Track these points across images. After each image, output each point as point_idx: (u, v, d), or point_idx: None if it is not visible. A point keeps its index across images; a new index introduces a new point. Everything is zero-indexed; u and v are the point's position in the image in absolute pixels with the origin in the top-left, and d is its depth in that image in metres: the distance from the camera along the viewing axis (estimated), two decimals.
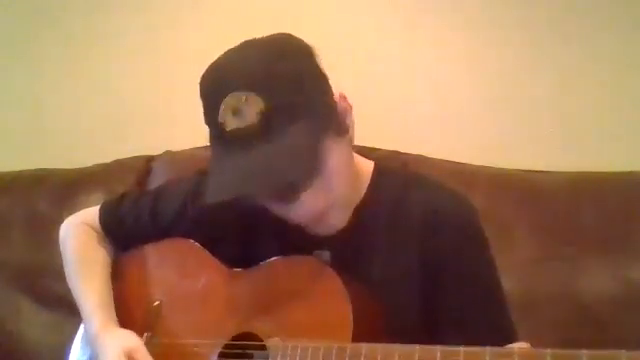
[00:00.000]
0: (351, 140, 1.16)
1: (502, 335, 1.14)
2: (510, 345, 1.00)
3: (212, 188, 1.10)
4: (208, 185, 1.11)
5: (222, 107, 1.06)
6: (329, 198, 1.12)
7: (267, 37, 1.13)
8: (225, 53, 1.13)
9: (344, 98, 1.14)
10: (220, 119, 1.07)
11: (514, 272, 1.67)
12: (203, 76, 1.12)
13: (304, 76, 1.09)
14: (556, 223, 1.76)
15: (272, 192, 1.11)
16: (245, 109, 1.05)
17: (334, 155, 1.10)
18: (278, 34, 1.14)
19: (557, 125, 1.97)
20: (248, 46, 1.12)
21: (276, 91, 1.05)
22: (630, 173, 1.80)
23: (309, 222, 1.14)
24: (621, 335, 1.62)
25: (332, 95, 1.13)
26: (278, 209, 1.15)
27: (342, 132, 1.13)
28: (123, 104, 2.26)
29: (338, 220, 1.16)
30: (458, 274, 1.17)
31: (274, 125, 1.05)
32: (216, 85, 1.09)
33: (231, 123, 1.06)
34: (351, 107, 1.15)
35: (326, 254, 1.20)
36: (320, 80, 1.12)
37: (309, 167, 1.07)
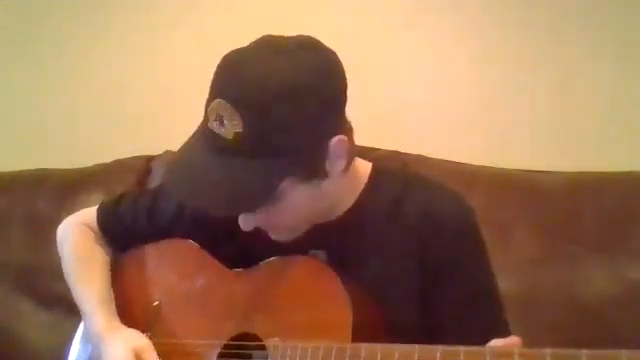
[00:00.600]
0: (319, 186, 1.13)
1: (496, 335, 1.14)
2: (501, 340, 0.99)
3: (170, 179, 1.16)
4: (171, 167, 1.17)
5: (213, 104, 1.07)
6: (271, 224, 1.15)
7: (294, 51, 1.07)
8: (245, 48, 1.10)
9: (343, 142, 1.10)
10: (208, 112, 1.08)
11: (514, 272, 1.67)
12: (224, 57, 1.10)
13: (301, 119, 1.05)
14: (556, 223, 1.76)
15: (214, 209, 1.13)
16: (226, 122, 1.05)
17: (292, 197, 1.10)
18: (304, 41, 1.09)
19: (557, 125, 1.97)
20: (266, 51, 1.08)
21: (260, 125, 1.04)
22: (630, 173, 1.80)
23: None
24: (621, 335, 1.62)
25: (326, 139, 1.09)
26: None
27: (315, 176, 1.11)
28: (123, 104, 2.26)
29: (282, 237, 1.18)
30: (454, 274, 1.17)
31: (242, 151, 1.05)
32: (222, 79, 1.09)
33: (212, 122, 1.07)
34: (345, 152, 1.11)
35: (322, 254, 1.20)
36: (319, 122, 1.08)
37: (250, 205, 1.09)
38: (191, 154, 1.12)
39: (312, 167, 1.10)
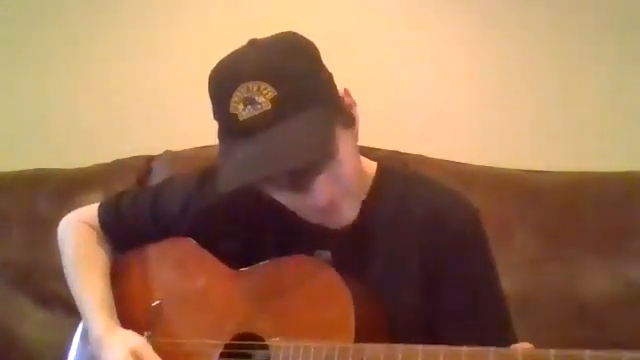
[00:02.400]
0: (356, 135, 1.17)
1: (501, 334, 1.14)
2: (513, 345, 1.00)
3: (225, 176, 1.10)
4: (220, 175, 1.11)
5: (234, 98, 1.07)
6: (340, 187, 1.13)
7: (274, 36, 1.15)
8: (232, 52, 1.14)
9: (348, 93, 1.16)
10: (232, 110, 1.07)
11: (514, 272, 1.67)
12: (212, 72, 1.13)
13: (312, 70, 1.12)
14: (556, 223, 1.76)
15: (289, 174, 1.09)
16: (257, 97, 1.06)
17: (344, 144, 1.11)
18: (283, 33, 1.15)
19: (557, 125, 1.97)
20: (255, 43, 1.13)
21: (287, 80, 1.07)
22: (629, 173, 1.80)
23: (321, 213, 1.14)
24: (620, 335, 1.62)
25: (334, 84, 1.15)
26: (290, 200, 1.14)
27: (349, 124, 1.15)
28: (123, 104, 2.26)
29: (349, 212, 1.16)
30: (459, 274, 1.17)
31: (288, 110, 1.06)
32: (226, 78, 1.10)
33: (244, 113, 1.06)
34: (355, 103, 1.17)
35: (327, 254, 1.20)
36: (327, 76, 1.14)
37: (324, 149, 1.08)
38: (244, 149, 1.08)
39: (344, 111, 1.14)
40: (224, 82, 1.09)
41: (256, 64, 1.08)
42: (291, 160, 1.06)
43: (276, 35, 1.15)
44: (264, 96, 1.06)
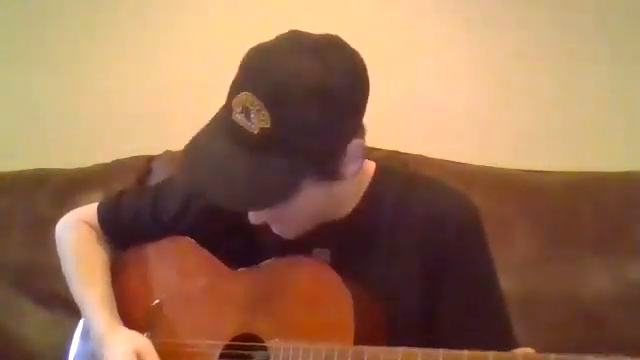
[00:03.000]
0: (331, 186, 1.13)
1: (500, 336, 1.14)
2: (515, 350, 1.00)
3: (185, 168, 1.14)
4: (187, 159, 1.13)
5: (240, 96, 1.05)
6: (278, 221, 1.15)
7: (324, 50, 1.06)
8: (274, 41, 1.08)
9: (361, 146, 1.11)
10: (233, 104, 1.06)
11: (514, 272, 1.67)
12: (252, 49, 1.09)
13: (329, 119, 1.05)
14: (556, 223, 1.76)
15: (230, 203, 1.11)
16: (253, 115, 1.04)
17: (305, 196, 1.09)
18: (340, 48, 1.09)
19: (557, 125, 1.97)
20: (295, 47, 1.07)
21: (288, 123, 1.03)
22: (629, 173, 1.80)
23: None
24: (620, 335, 1.62)
25: (348, 140, 1.09)
26: None
27: (331, 178, 1.11)
28: (123, 104, 2.26)
29: (288, 233, 1.18)
30: (459, 273, 1.16)
31: (267, 147, 1.04)
32: (251, 72, 1.07)
33: (237, 114, 1.06)
34: (361, 158, 1.13)
35: (326, 252, 1.20)
36: (344, 123, 1.08)
37: (269, 201, 1.08)
38: (211, 145, 1.09)
39: (331, 169, 1.10)
40: (246, 75, 1.07)
41: (276, 85, 1.03)
42: (229, 197, 1.08)
43: (327, 45, 1.07)
44: (258, 119, 1.03)
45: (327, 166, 1.09)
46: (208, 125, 1.13)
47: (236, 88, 1.07)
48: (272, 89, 1.03)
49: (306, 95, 1.03)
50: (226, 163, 1.07)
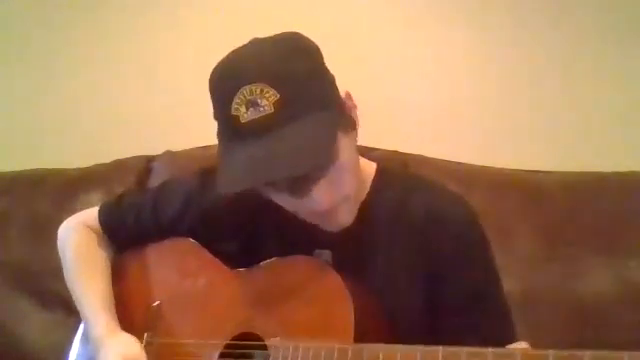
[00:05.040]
0: (356, 139, 1.17)
1: (502, 336, 1.14)
2: (510, 345, 1.00)
3: (225, 178, 1.09)
4: (220, 176, 1.10)
5: (236, 100, 1.06)
6: (340, 192, 1.12)
7: (276, 35, 1.13)
8: (234, 50, 1.13)
9: (349, 96, 1.15)
10: (234, 112, 1.06)
11: (514, 272, 1.67)
12: (213, 72, 1.12)
13: (315, 72, 1.10)
14: (556, 223, 1.76)
15: (287, 180, 1.09)
16: (260, 100, 1.05)
17: (344, 149, 1.11)
18: (286, 33, 1.14)
19: (557, 125, 1.97)
20: (258, 43, 1.13)
21: (289, 83, 1.06)
22: (629, 173, 1.80)
23: (319, 216, 1.14)
24: (621, 335, 1.62)
25: (339, 93, 1.14)
26: (289, 203, 1.14)
27: (349, 128, 1.14)
28: (123, 104, 2.26)
29: (346, 216, 1.16)
30: (459, 275, 1.17)
31: (290, 113, 1.05)
32: (228, 79, 1.08)
33: (246, 115, 1.06)
34: (355, 106, 1.16)
35: (327, 253, 1.20)
36: (329, 78, 1.13)
37: (326, 155, 1.07)
38: (245, 151, 1.06)
39: (346, 115, 1.13)
40: (226, 83, 1.08)
41: (259, 66, 1.07)
42: (293, 166, 1.05)
43: (278, 35, 1.14)
44: (267, 99, 1.05)
45: (343, 113, 1.13)
46: (223, 153, 1.11)
47: (223, 104, 1.08)
48: (258, 68, 1.06)
49: (287, 55, 1.08)
50: (277, 148, 1.05)
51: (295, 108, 1.05)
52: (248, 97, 1.05)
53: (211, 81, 1.12)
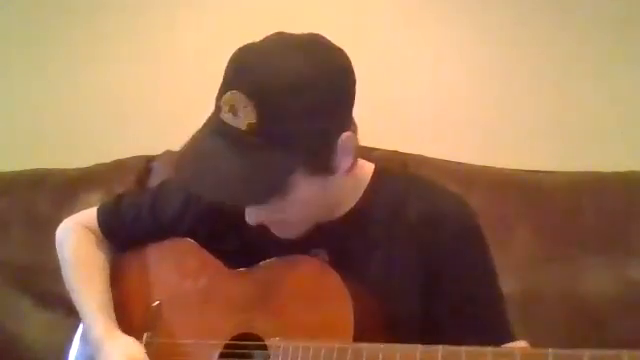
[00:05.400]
0: (331, 179, 1.13)
1: (500, 335, 1.14)
2: (509, 344, 1.00)
3: (180, 168, 1.16)
4: (181, 157, 1.15)
5: (227, 95, 1.07)
6: (276, 217, 1.14)
7: (306, 42, 1.10)
8: (260, 42, 1.10)
9: (351, 139, 1.11)
10: (222, 102, 1.08)
11: (514, 272, 1.68)
12: (238, 50, 1.10)
13: (314, 112, 1.07)
14: (556, 223, 1.76)
15: (226, 199, 1.12)
16: (239, 113, 1.05)
17: (299, 190, 1.10)
18: (318, 44, 1.11)
19: (557, 125, 1.97)
20: (279, 47, 1.09)
21: (274, 116, 1.05)
22: (630, 173, 1.80)
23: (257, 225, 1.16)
24: (621, 335, 1.62)
25: (336, 134, 1.10)
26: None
27: (323, 172, 1.11)
28: (123, 104, 2.26)
29: (289, 232, 1.18)
30: (456, 275, 1.17)
31: (255, 143, 1.06)
32: (234, 73, 1.08)
33: (225, 114, 1.07)
34: (352, 150, 1.12)
35: (323, 253, 1.20)
36: (330, 117, 1.10)
37: (262, 196, 1.09)
38: (202, 145, 1.11)
39: (322, 161, 1.11)
40: (231, 74, 1.09)
41: (260, 81, 1.05)
42: (224, 194, 1.09)
43: (309, 42, 1.10)
44: (245, 116, 1.05)
45: (318, 159, 1.10)
46: (201, 128, 1.14)
47: (222, 88, 1.09)
48: (256, 85, 1.05)
49: (290, 88, 1.05)
50: (217, 161, 1.08)
51: (263, 138, 1.05)
52: (233, 102, 1.06)
53: (230, 60, 1.11)
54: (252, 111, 1.04)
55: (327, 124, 1.09)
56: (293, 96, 1.05)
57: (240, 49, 1.10)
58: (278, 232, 1.18)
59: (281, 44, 1.10)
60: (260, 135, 1.05)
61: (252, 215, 1.15)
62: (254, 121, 1.05)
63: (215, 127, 1.09)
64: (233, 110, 1.06)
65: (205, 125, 1.13)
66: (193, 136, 1.15)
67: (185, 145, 1.15)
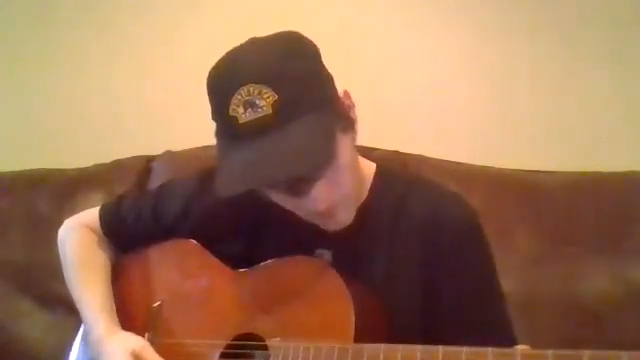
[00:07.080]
0: (354, 138, 1.17)
1: (500, 335, 1.14)
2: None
3: (224, 181, 1.09)
4: (218, 179, 1.09)
5: (234, 101, 1.06)
6: (338, 192, 1.12)
7: (275, 35, 1.13)
8: (232, 50, 1.12)
9: (348, 96, 1.15)
10: (232, 113, 1.06)
11: (514, 272, 1.68)
12: (211, 72, 1.12)
13: (314, 73, 1.10)
14: (556, 223, 1.76)
15: (286, 181, 1.09)
16: (258, 101, 1.05)
17: (343, 149, 1.11)
18: (285, 32, 1.14)
19: (557, 125, 1.97)
20: (256, 43, 1.12)
21: (288, 85, 1.06)
22: (629, 173, 1.80)
23: (318, 216, 1.14)
24: (620, 335, 1.63)
25: (335, 87, 1.14)
26: (288, 203, 1.14)
27: (348, 128, 1.14)
28: (123, 104, 2.27)
29: (345, 216, 1.16)
30: (458, 275, 1.17)
31: (288, 114, 1.05)
32: (226, 79, 1.08)
33: (244, 116, 1.06)
34: (354, 105, 1.16)
35: (327, 253, 1.21)
36: (328, 78, 1.13)
37: (323, 156, 1.07)
38: (248, 154, 1.07)
39: (344, 115, 1.13)
40: (224, 83, 1.08)
41: (257, 66, 1.07)
42: (292, 167, 1.05)
43: (277, 34, 1.13)
44: (265, 100, 1.05)
45: (341, 113, 1.12)
46: (221, 160, 1.10)
47: (220, 106, 1.08)
48: (253, 70, 1.06)
49: (283, 57, 1.08)
50: (272, 149, 1.05)
51: (293, 109, 1.05)
52: (246, 98, 1.05)
53: (209, 81, 1.12)
54: (267, 90, 1.05)
55: (329, 81, 1.13)
56: (291, 62, 1.07)
57: (214, 66, 1.11)
58: (331, 221, 1.15)
59: (253, 40, 1.13)
60: (288, 105, 1.05)
61: (320, 197, 1.10)
62: (276, 97, 1.05)
63: (241, 134, 1.07)
64: (250, 105, 1.05)
65: (223, 150, 1.10)
66: (223, 161, 1.10)
67: (222, 175, 1.09)
